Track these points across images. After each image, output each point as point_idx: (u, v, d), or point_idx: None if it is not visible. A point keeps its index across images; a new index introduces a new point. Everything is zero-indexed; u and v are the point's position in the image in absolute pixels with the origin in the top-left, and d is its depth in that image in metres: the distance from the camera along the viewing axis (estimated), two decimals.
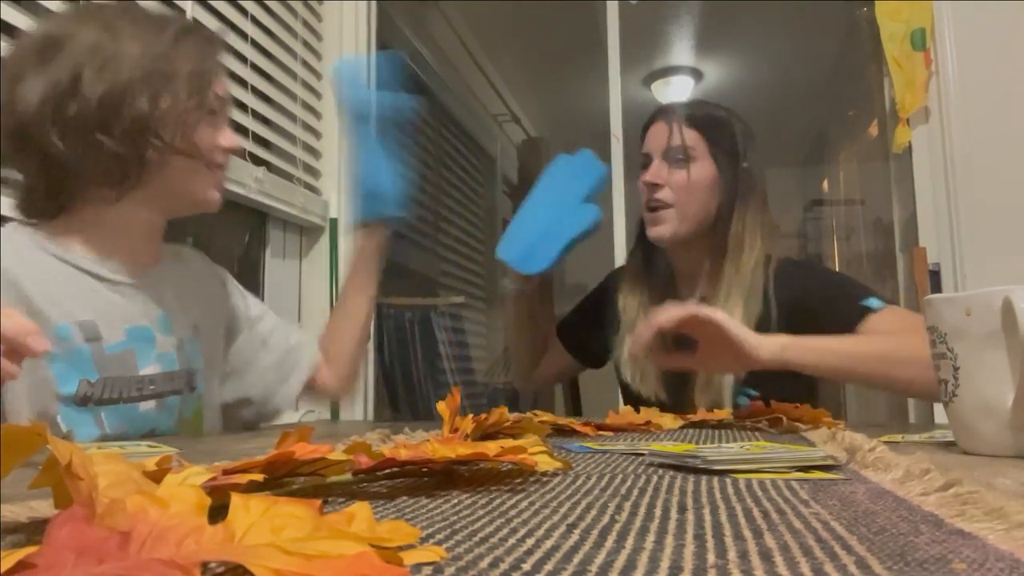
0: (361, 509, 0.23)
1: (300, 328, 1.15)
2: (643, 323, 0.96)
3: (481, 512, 0.32)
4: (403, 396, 2.24)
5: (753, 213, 1.14)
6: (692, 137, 1.13)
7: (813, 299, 1.09)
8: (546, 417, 0.77)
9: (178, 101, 0.80)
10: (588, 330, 1.31)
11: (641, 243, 1.23)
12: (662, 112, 1.19)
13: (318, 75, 2.03)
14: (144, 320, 0.84)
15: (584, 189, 1.15)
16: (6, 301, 0.71)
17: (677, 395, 1.14)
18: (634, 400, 1.19)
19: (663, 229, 1.14)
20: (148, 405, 0.83)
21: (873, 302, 1.03)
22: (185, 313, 0.91)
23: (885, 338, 0.98)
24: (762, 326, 1.05)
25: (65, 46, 0.76)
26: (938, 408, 1.62)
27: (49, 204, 0.81)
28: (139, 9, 0.91)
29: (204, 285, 0.99)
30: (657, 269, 1.22)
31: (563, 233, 1.13)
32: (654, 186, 1.14)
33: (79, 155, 0.76)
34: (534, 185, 1.20)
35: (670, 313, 0.92)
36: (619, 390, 1.30)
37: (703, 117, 1.16)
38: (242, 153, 1.65)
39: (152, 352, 0.84)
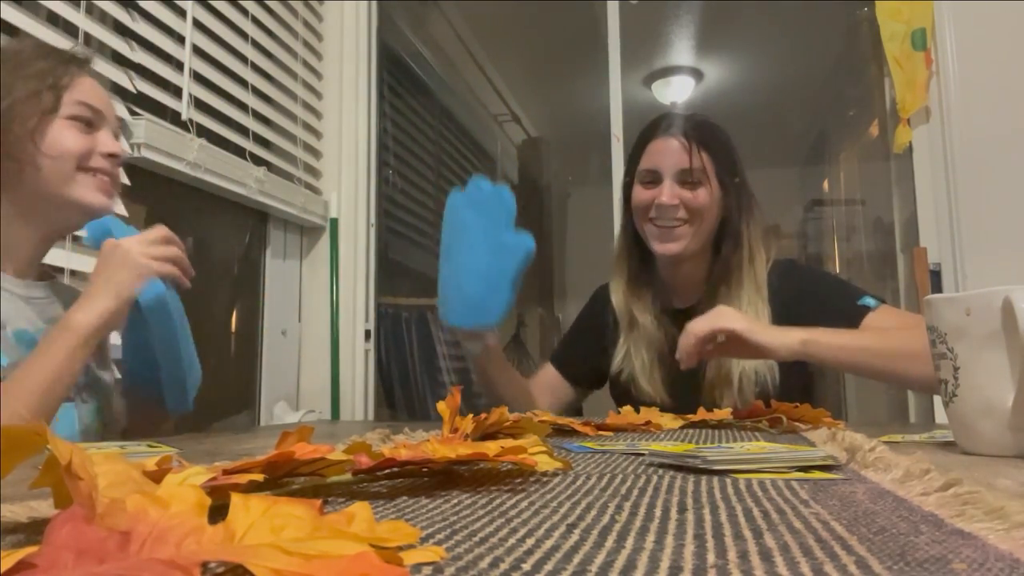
0: (361, 509, 0.23)
1: None
2: (683, 339, 1.02)
3: (481, 512, 0.32)
4: (401, 396, 2.24)
5: (755, 223, 1.18)
6: (703, 159, 1.14)
7: (810, 299, 1.13)
8: (546, 417, 0.77)
9: (16, 111, 0.84)
10: (588, 355, 1.30)
11: (637, 255, 1.23)
12: (665, 128, 1.17)
13: (318, 75, 2.03)
14: (30, 327, 0.86)
15: (504, 218, 1.05)
16: None
17: (681, 400, 1.15)
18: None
19: (675, 246, 1.15)
20: None
21: (869, 300, 1.08)
22: None
23: (895, 334, 1.02)
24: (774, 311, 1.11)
25: None
26: (938, 408, 1.62)
27: None
28: (10, 47, 0.97)
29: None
30: (654, 279, 1.23)
31: (505, 272, 1.04)
32: (671, 207, 1.14)
33: None
34: (447, 236, 1.11)
35: (700, 326, 1.00)
36: (614, 401, 1.28)
37: (709, 138, 1.16)
38: (243, 155, 1.65)
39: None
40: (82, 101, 0.89)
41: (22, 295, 0.89)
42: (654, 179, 1.15)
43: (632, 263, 1.24)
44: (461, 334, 1.14)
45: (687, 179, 1.13)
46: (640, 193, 1.17)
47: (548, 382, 1.34)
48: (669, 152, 1.14)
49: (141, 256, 0.84)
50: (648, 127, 1.20)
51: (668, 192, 1.13)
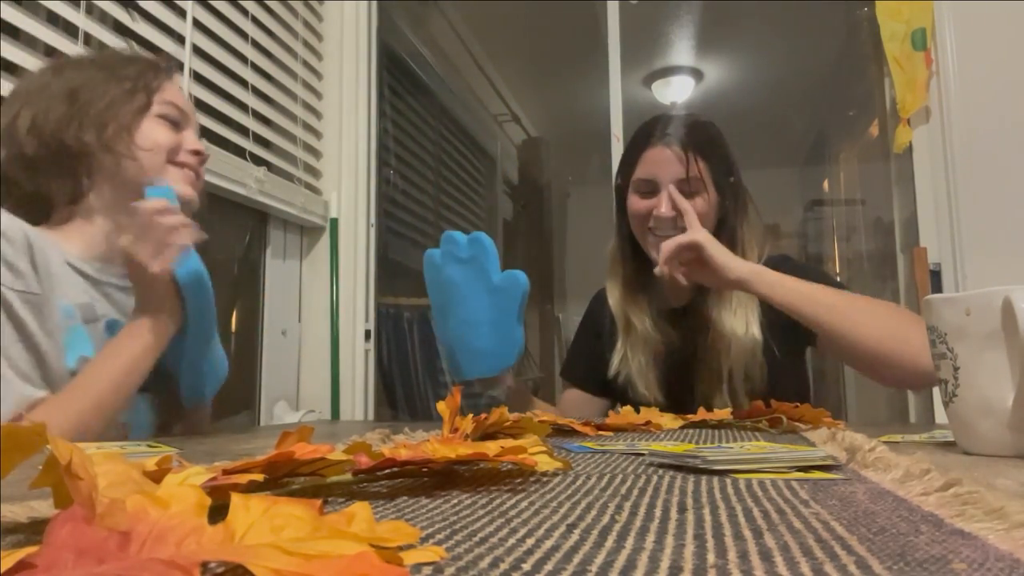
0: (361, 509, 0.23)
1: None
2: (662, 253, 1.07)
3: (481, 512, 0.32)
4: (401, 396, 2.24)
5: (749, 223, 1.18)
6: (700, 167, 1.12)
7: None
8: (546, 417, 0.77)
9: (113, 109, 0.91)
10: (600, 363, 1.27)
11: (633, 259, 1.22)
12: (662, 136, 1.14)
13: (318, 75, 2.03)
14: (122, 317, 0.91)
15: (489, 263, 1.04)
16: (30, 266, 0.81)
17: (677, 400, 1.15)
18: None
19: None
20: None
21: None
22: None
23: (863, 301, 1.03)
24: (767, 309, 1.11)
25: (16, 91, 0.94)
26: (938, 408, 1.62)
27: (32, 213, 0.91)
28: (104, 55, 1.05)
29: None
30: (650, 281, 1.22)
31: (508, 314, 1.03)
32: (671, 219, 1.12)
33: (26, 177, 0.90)
34: (435, 296, 1.08)
35: (670, 245, 1.06)
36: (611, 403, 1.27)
37: (705, 143, 1.14)
38: (243, 155, 1.65)
39: None
40: (171, 102, 0.97)
41: (116, 286, 0.93)
42: (651, 189, 1.14)
43: (627, 266, 1.23)
44: (480, 385, 1.13)
45: (685, 189, 1.12)
46: (637, 203, 1.15)
47: (575, 403, 1.31)
48: (666, 162, 1.12)
49: (164, 235, 0.84)
50: (642, 132, 1.18)
51: (666, 205, 1.11)
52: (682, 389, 1.16)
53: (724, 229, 1.16)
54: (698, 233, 1.06)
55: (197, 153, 0.99)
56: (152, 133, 0.94)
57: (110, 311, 0.92)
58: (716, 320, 1.14)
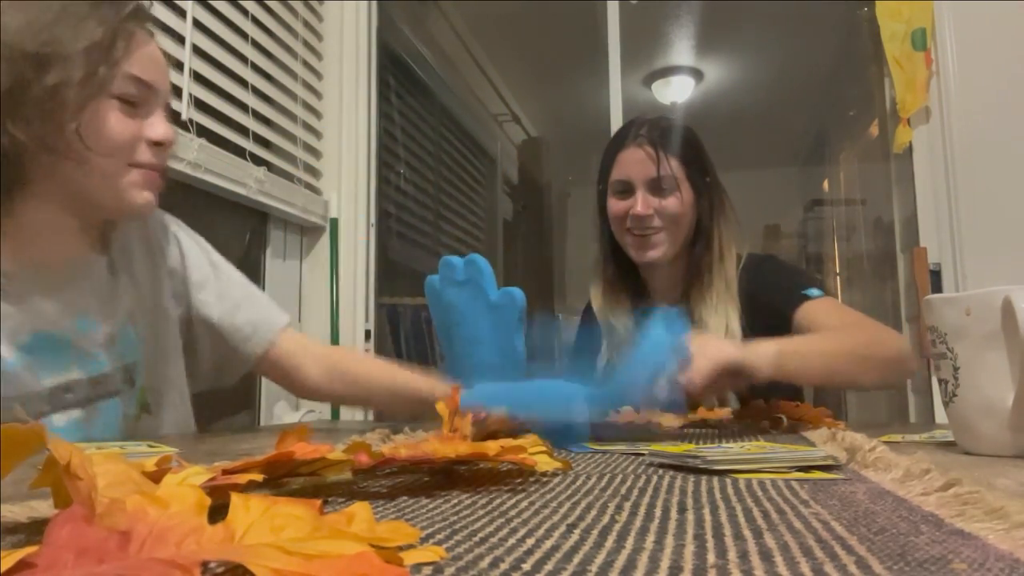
0: (361, 509, 0.23)
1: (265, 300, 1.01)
2: (689, 382, 0.88)
3: (481, 512, 0.32)
4: None
5: (726, 222, 1.20)
6: (674, 166, 1.16)
7: (763, 286, 1.15)
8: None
9: (61, 83, 0.67)
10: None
11: (614, 261, 1.24)
12: (634, 138, 1.17)
13: (318, 75, 2.03)
14: (51, 327, 0.76)
15: (485, 282, 1.04)
16: None
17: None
18: None
19: (655, 252, 1.17)
20: (68, 417, 0.76)
21: (812, 292, 1.10)
22: (113, 305, 0.82)
23: (854, 332, 1.03)
24: (750, 308, 1.12)
25: None
26: (938, 408, 1.62)
27: None
28: None
29: (142, 265, 0.89)
30: (633, 284, 1.24)
31: (508, 327, 1.03)
32: (646, 216, 1.15)
33: None
34: (439, 320, 1.08)
35: (702, 370, 0.87)
36: None
37: (679, 142, 1.18)
38: (243, 155, 1.65)
39: (66, 359, 0.76)
40: (134, 75, 0.74)
41: (42, 291, 0.75)
42: (626, 189, 1.17)
43: (609, 269, 1.26)
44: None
45: (658, 187, 1.15)
46: (615, 205, 1.19)
47: None
48: (638, 162, 1.16)
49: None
50: (617, 135, 1.22)
51: (641, 203, 1.15)
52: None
53: (701, 229, 1.18)
54: (712, 353, 0.89)
55: (160, 144, 0.77)
56: (105, 126, 0.72)
57: (30, 323, 0.74)
58: (698, 319, 1.15)
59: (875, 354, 1.00)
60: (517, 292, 1.05)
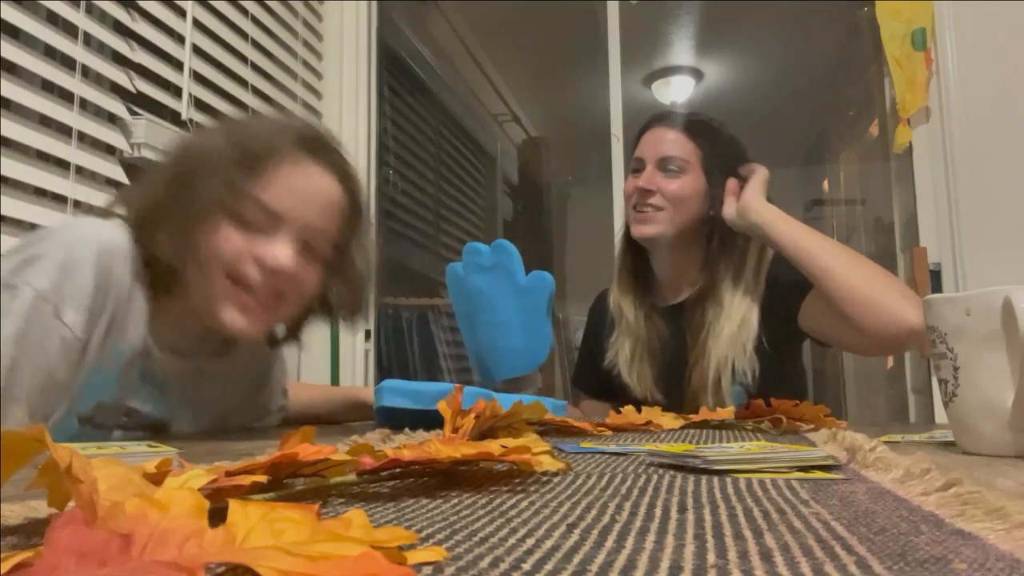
0: (357, 515, 0.23)
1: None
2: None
3: (481, 512, 0.32)
4: None
5: None
6: (688, 150, 1.16)
7: (783, 274, 1.15)
8: (546, 417, 0.76)
9: (192, 199, 0.73)
10: (601, 368, 1.28)
11: (629, 247, 1.24)
12: (659, 119, 1.20)
13: (318, 75, 2.03)
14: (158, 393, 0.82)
15: (514, 266, 1.06)
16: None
17: (671, 396, 1.15)
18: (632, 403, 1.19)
19: (648, 229, 1.17)
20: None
21: None
22: (199, 409, 0.88)
23: (878, 271, 1.05)
24: (764, 305, 1.13)
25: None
26: (938, 408, 1.62)
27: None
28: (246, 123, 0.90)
29: (240, 388, 0.96)
30: (644, 272, 1.24)
31: (537, 312, 1.04)
32: (647, 192, 1.15)
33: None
34: (461, 306, 1.10)
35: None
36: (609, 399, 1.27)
37: (701, 132, 1.18)
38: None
39: (147, 403, 0.81)
40: (259, 199, 0.74)
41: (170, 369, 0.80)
42: (639, 166, 1.18)
43: (626, 259, 1.25)
44: (515, 386, 1.13)
45: (668, 167, 1.15)
46: (628, 182, 1.20)
47: (595, 411, 1.31)
48: (655, 141, 1.18)
49: None
50: (646, 120, 1.23)
51: (645, 178, 1.16)
52: (673, 385, 1.17)
53: (717, 224, 1.16)
54: (764, 170, 1.15)
55: (274, 272, 0.74)
56: (209, 236, 0.73)
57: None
58: (710, 318, 1.14)
59: (885, 293, 0.99)
60: (547, 276, 1.05)
